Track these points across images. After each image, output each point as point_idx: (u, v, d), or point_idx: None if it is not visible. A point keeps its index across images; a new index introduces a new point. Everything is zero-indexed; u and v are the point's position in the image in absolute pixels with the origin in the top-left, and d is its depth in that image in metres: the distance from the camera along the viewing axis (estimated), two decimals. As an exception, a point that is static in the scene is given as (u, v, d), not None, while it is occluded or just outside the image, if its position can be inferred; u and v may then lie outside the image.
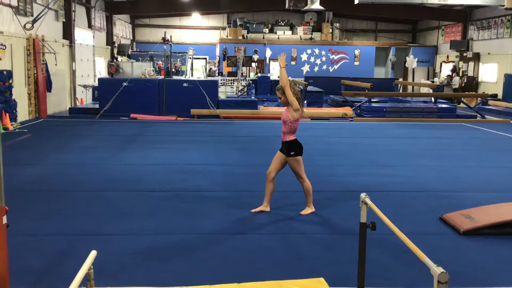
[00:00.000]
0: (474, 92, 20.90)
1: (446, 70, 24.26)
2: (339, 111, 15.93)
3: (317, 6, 18.71)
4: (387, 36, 27.91)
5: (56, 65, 15.32)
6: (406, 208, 6.09)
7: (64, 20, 16.62)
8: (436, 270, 2.23)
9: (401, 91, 23.33)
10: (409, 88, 25.22)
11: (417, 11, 23.80)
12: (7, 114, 11.70)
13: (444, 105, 17.03)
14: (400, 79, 25.19)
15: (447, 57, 24.37)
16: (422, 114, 15.80)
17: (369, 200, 3.32)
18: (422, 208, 6.10)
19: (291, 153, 5.60)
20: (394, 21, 27.61)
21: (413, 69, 24.61)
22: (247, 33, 25.58)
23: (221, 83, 19.78)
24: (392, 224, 2.93)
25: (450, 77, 22.69)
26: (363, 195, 3.39)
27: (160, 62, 17.90)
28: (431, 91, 19.37)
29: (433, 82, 23.08)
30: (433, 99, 17.70)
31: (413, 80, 24.64)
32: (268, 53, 24.76)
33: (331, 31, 26.01)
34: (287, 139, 5.61)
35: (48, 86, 14.74)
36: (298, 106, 5.51)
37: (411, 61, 23.99)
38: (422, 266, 2.59)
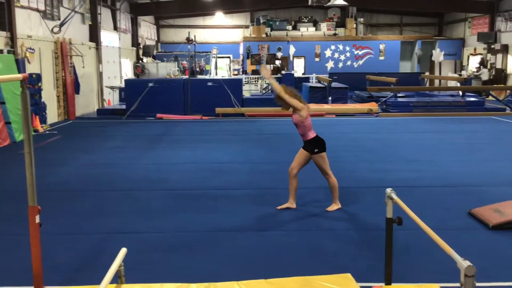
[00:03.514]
0: (503, 85, 20.45)
1: (473, 63, 23.81)
2: (364, 106, 15.81)
3: (340, 1, 18.60)
4: (413, 30, 27.51)
5: (83, 67, 15.61)
6: (434, 203, 6.03)
7: (91, 23, 16.91)
8: (463, 263, 2.22)
9: (427, 85, 22.99)
10: (436, 82, 24.84)
11: (443, 4, 23.40)
12: (37, 116, 11.97)
13: (472, 99, 16.73)
14: (427, 73, 24.81)
15: (475, 49, 23.91)
16: (450, 108, 15.54)
17: (395, 195, 3.31)
18: (451, 203, 6.03)
19: (315, 150, 5.60)
20: (419, 14, 27.19)
21: (440, 63, 24.21)
22: (270, 30, 25.56)
23: (245, 81, 19.84)
24: (418, 219, 2.91)
25: (478, 70, 22.27)
26: (388, 190, 3.37)
27: (184, 62, 18.04)
28: (458, 84, 19.04)
29: (460, 75, 22.68)
30: (460, 93, 17.40)
31: (440, 74, 24.25)
32: (292, 50, 24.68)
33: (355, 26, 25.78)
34: (308, 138, 5.61)
35: (76, 88, 15.03)
36: (301, 104, 5.51)
37: (438, 55, 23.60)
38: (450, 261, 2.57)
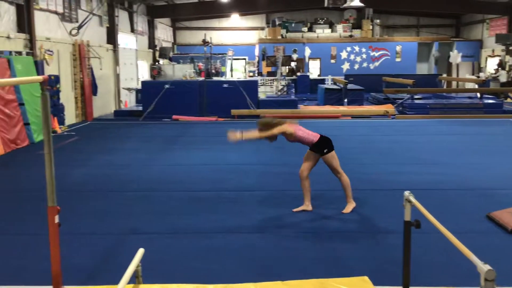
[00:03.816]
0: (522, 87, 20.15)
1: (491, 64, 23.53)
2: (381, 108, 15.72)
3: (356, 3, 18.52)
4: (430, 31, 27.30)
5: (101, 69, 15.77)
6: (451, 206, 5.97)
7: (108, 25, 17.08)
8: (483, 267, 2.20)
9: (445, 87, 22.78)
10: (454, 84, 24.61)
11: (460, 5, 23.19)
12: (55, 117, 12.12)
13: (490, 101, 16.54)
14: (444, 75, 24.60)
15: (493, 51, 23.63)
16: (467, 110, 15.38)
17: (413, 198, 3.28)
18: (468, 206, 5.97)
19: (325, 151, 5.59)
20: (436, 15, 26.97)
21: (457, 65, 23.98)
22: (286, 32, 25.57)
23: (261, 83, 19.86)
24: (437, 222, 2.89)
25: (496, 72, 22.00)
26: (406, 193, 3.35)
27: (200, 64, 18.14)
28: (476, 86, 18.84)
29: (478, 77, 22.43)
30: (478, 95, 17.22)
31: (457, 76, 24.02)
32: (307, 52, 24.67)
33: (371, 27, 25.67)
34: (314, 142, 5.61)
35: (94, 90, 15.19)
36: (282, 126, 5.48)
37: (455, 56, 23.39)
38: (469, 264, 2.55)
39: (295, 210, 5.77)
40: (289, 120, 5.63)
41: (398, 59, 25.31)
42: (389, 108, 15.56)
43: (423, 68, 26.49)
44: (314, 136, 5.61)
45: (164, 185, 7.11)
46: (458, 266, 4.09)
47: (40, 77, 3.27)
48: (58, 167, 7.39)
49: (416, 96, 17.19)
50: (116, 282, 3.07)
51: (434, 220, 2.93)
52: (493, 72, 22.41)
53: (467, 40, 25.83)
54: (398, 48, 25.30)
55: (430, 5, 23.50)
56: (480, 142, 10.63)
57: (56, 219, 3.43)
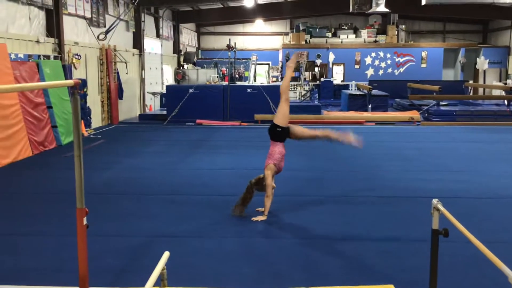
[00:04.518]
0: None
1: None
2: (406, 115, 15.56)
3: (382, 8, 18.40)
4: (456, 37, 26.92)
5: (127, 73, 15.97)
6: (478, 215, 5.87)
7: (134, 30, 17.30)
8: (515, 279, 2.16)
9: (471, 93, 22.44)
10: (480, 90, 24.21)
11: (487, 11, 22.81)
12: (82, 120, 12.32)
13: (518, 108, 16.23)
14: (471, 82, 24.23)
15: (521, 57, 23.20)
16: (495, 117, 15.14)
17: (441, 206, 3.24)
18: (496, 215, 5.86)
19: (288, 129, 5.89)
20: (463, 21, 26.59)
21: (484, 71, 23.59)
22: (310, 37, 25.51)
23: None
24: (466, 231, 2.85)
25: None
26: (435, 201, 3.31)
27: (224, 69, 18.23)
28: (504, 93, 18.51)
29: (505, 84, 22.02)
30: (506, 102, 16.92)
31: (484, 82, 23.63)
32: (331, 57, 24.58)
33: (396, 33, 25.43)
34: (279, 141, 5.85)
35: (120, 93, 15.39)
36: (268, 173, 5.74)
37: (482, 63, 23.02)
38: (498, 274, 2.50)
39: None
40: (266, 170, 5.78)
41: (423, 65, 25.02)
42: (414, 114, 15.40)
43: (449, 75, 26.13)
44: (273, 145, 5.83)
45: (188, 188, 7.16)
46: (486, 276, 4.02)
47: (71, 81, 3.32)
48: (85, 170, 7.47)
49: (442, 103, 16.98)
50: (141, 284, 3.09)
51: (463, 229, 2.88)
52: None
53: (495, 47, 25.39)
54: (423, 54, 25.02)
55: (456, 11, 23.17)
56: (507, 150, 10.42)
57: (84, 220, 3.48)
